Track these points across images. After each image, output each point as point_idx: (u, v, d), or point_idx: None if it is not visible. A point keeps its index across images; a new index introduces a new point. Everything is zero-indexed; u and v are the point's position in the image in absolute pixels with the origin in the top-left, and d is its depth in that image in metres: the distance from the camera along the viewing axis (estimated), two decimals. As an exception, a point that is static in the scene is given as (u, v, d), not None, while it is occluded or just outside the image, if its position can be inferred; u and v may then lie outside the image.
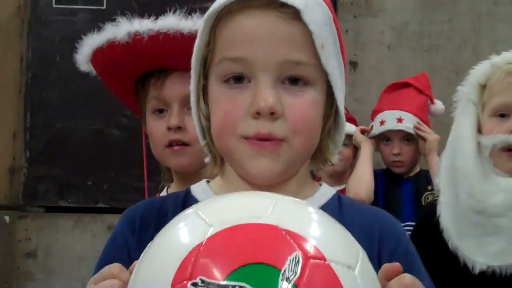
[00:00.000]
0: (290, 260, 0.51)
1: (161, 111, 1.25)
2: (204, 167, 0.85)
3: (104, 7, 3.15)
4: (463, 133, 1.36)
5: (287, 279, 0.50)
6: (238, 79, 0.72)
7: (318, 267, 0.52)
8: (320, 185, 0.82)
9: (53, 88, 3.14)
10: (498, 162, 1.32)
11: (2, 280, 3.08)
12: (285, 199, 0.59)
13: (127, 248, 0.77)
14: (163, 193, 1.35)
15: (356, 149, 2.49)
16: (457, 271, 1.33)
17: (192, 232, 0.55)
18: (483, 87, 1.37)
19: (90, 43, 1.23)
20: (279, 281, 0.50)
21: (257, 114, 0.70)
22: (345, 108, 3.02)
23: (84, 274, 3.05)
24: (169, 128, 1.23)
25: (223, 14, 0.72)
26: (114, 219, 2.82)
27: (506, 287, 1.29)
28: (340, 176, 2.51)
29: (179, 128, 1.22)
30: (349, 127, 2.51)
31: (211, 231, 0.53)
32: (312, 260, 0.52)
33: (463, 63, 2.92)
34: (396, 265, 0.60)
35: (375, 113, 2.41)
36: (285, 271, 0.51)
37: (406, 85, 2.41)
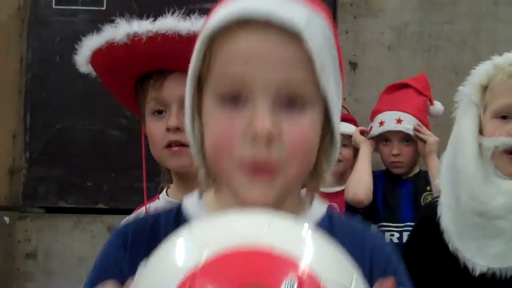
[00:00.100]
0: (285, 282, 0.51)
1: (160, 112, 1.25)
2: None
3: (104, 8, 3.15)
4: (464, 134, 1.35)
5: None
6: (235, 97, 0.69)
7: None
8: (312, 200, 0.81)
9: (53, 89, 3.14)
10: (499, 164, 1.31)
11: (2, 281, 3.08)
12: (280, 219, 0.59)
13: (119, 265, 0.76)
14: (163, 194, 1.35)
15: (356, 150, 2.49)
16: (457, 273, 1.33)
17: (187, 254, 0.55)
18: (484, 88, 1.36)
19: (89, 44, 1.23)
20: None
21: (254, 138, 0.68)
22: (346, 109, 3.00)
23: (84, 275, 3.03)
24: (168, 129, 1.22)
25: (221, 30, 0.70)
26: (114, 220, 2.82)
27: (506, 289, 1.29)
28: (340, 177, 2.51)
29: (178, 129, 1.21)
30: (350, 128, 2.51)
31: (205, 254, 0.53)
32: (307, 282, 0.52)
33: (463, 63, 2.92)
34: (389, 282, 0.60)
35: (374, 113, 2.41)
36: None
37: (405, 86, 2.41)
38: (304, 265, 0.53)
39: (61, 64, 3.07)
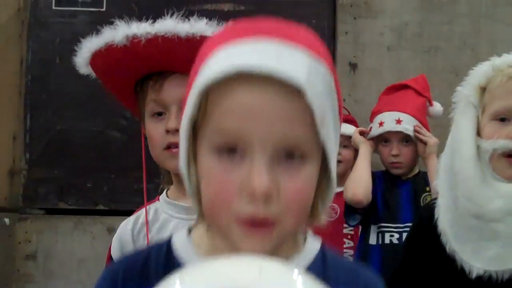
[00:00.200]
0: None
1: (159, 113, 1.25)
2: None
3: (104, 9, 3.15)
4: (462, 136, 1.35)
5: None
6: (231, 149, 0.68)
7: None
8: (306, 236, 0.81)
9: (53, 90, 3.14)
10: (497, 167, 1.30)
11: (2, 282, 3.08)
12: (271, 265, 0.58)
13: None
14: (163, 195, 1.35)
15: (356, 151, 2.49)
16: (454, 275, 1.33)
17: None
18: (483, 89, 1.35)
19: (89, 46, 1.23)
20: None
21: (252, 195, 0.67)
22: (346, 109, 3.00)
23: (84, 276, 3.05)
24: (167, 131, 1.23)
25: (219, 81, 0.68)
26: (114, 221, 2.83)
27: (503, 292, 1.29)
28: (340, 178, 2.50)
29: (177, 131, 1.21)
30: (350, 129, 2.51)
31: None
32: None
33: (463, 64, 2.92)
34: None
35: (374, 114, 2.41)
36: None
37: (404, 87, 2.41)
38: None
39: (61, 66, 3.07)
